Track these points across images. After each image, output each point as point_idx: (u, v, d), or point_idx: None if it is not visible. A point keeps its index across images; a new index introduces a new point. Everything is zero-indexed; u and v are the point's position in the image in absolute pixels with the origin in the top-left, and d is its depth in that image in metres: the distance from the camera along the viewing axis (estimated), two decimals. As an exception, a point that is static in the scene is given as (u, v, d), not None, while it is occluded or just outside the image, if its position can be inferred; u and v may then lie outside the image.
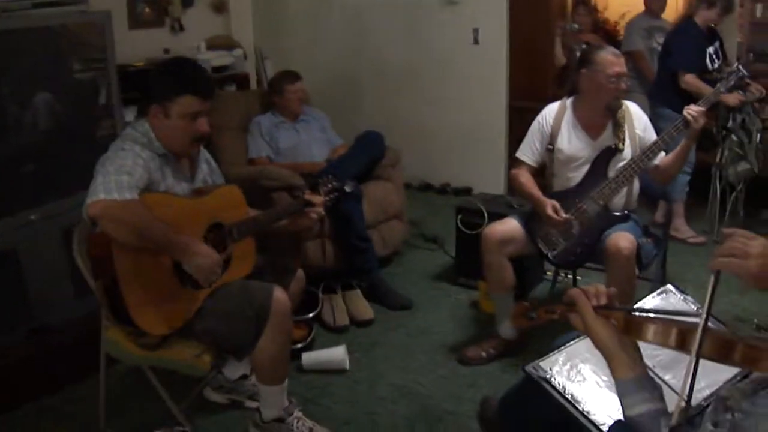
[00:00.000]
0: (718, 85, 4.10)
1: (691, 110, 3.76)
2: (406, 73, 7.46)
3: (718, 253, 1.78)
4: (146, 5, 5.64)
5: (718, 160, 5.91)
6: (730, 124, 5.78)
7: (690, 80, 5.63)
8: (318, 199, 3.62)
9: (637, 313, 1.99)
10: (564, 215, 3.87)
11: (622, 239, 3.70)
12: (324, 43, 7.70)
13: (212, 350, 3.12)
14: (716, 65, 5.87)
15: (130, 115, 4.66)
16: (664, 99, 5.82)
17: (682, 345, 1.82)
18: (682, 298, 2.73)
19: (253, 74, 6.62)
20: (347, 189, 3.97)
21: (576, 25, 7.49)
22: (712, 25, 5.86)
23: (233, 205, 3.38)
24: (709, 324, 2.33)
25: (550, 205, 3.89)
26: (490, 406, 3.50)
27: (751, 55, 7.56)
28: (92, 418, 3.56)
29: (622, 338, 1.97)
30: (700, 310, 1.79)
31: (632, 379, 1.91)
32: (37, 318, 4.02)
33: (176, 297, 3.03)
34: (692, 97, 5.32)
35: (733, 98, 5.58)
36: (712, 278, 1.78)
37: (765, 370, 1.71)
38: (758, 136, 5.79)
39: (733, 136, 5.78)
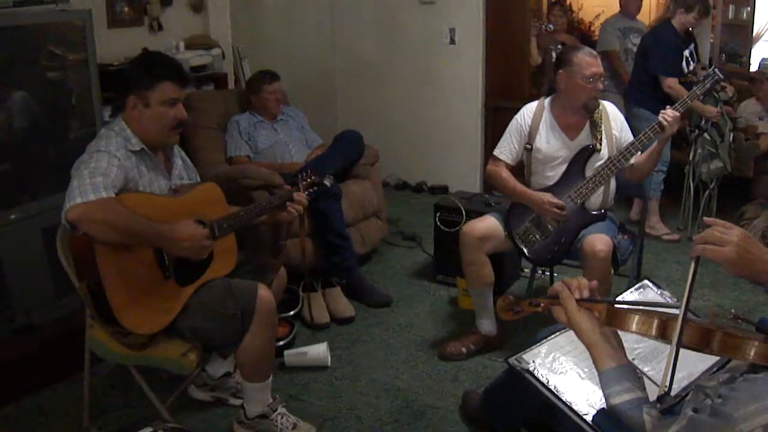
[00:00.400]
0: (694, 88, 4.14)
1: (667, 115, 3.79)
2: (383, 72, 7.51)
3: (698, 240, 1.84)
4: (125, 4, 5.61)
5: (690, 158, 5.98)
6: (702, 123, 5.85)
7: (674, 85, 5.69)
8: (299, 195, 3.64)
9: (618, 306, 2.04)
10: (560, 201, 3.93)
11: (599, 241, 3.75)
12: (301, 44, 7.70)
13: (198, 348, 3.14)
14: (691, 67, 5.94)
15: (110, 114, 4.64)
16: (639, 99, 5.89)
17: (663, 334, 1.87)
18: (659, 293, 2.79)
19: (231, 74, 6.59)
20: (327, 183, 3.99)
21: (551, 26, 7.54)
22: (689, 29, 5.92)
23: (213, 202, 3.39)
24: (690, 315, 2.39)
25: (548, 196, 3.94)
26: (472, 400, 3.56)
27: (723, 56, 7.67)
28: (76, 416, 3.58)
29: (604, 330, 2.02)
30: (679, 302, 1.84)
31: (615, 369, 1.96)
32: (20, 317, 4.01)
33: (161, 295, 3.04)
34: (668, 98, 5.40)
35: (710, 111, 5.64)
36: (692, 265, 1.85)
37: (743, 358, 1.76)
38: (731, 135, 5.86)
39: (706, 135, 5.86)
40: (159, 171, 3.25)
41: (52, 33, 4.25)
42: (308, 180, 3.74)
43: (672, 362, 1.76)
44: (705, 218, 1.92)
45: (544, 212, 3.96)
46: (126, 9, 5.64)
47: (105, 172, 2.92)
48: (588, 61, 3.90)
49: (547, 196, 3.94)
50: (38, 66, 4.19)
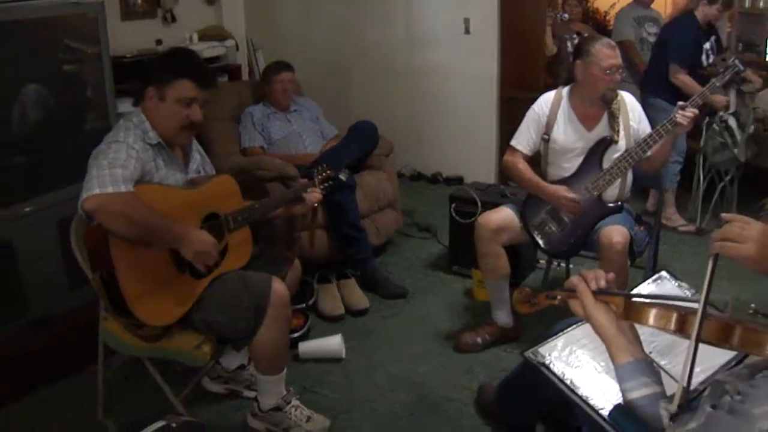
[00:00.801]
0: (713, 79, 4.10)
1: (686, 113, 3.75)
2: (398, 62, 7.47)
3: (717, 236, 1.79)
4: (139, -4, 5.64)
5: (701, 147, 5.93)
6: (719, 113, 5.79)
7: (682, 77, 5.65)
8: (314, 189, 3.63)
9: (636, 299, 2.01)
10: (577, 195, 3.91)
11: (616, 233, 3.71)
12: (316, 33, 7.69)
13: (212, 340, 3.13)
14: (711, 60, 5.89)
15: (122, 106, 4.64)
16: (656, 90, 5.84)
17: (681, 329, 1.84)
18: (676, 284, 2.76)
19: (245, 65, 6.60)
20: (342, 177, 3.98)
21: (566, 15, 7.50)
22: (711, 21, 5.87)
23: (228, 195, 3.38)
24: (708, 309, 2.36)
25: (564, 189, 3.92)
26: (487, 393, 3.55)
27: (740, 45, 7.61)
28: (90, 408, 3.57)
29: (621, 323, 1.99)
30: (696, 295, 1.82)
31: (632, 364, 1.94)
32: (35, 310, 4.01)
33: (175, 287, 3.04)
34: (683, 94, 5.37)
35: (719, 100, 5.59)
36: (711, 262, 1.79)
37: (763, 354, 1.73)
38: (752, 126, 5.80)
39: (715, 126, 5.81)
40: (176, 165, 3.25)
41: (65, 26, 4.25)
42: (323, 174, 3.74)
43: (690, 360, 1.72)
44: (723, 214, 1.86)
45: (559, 205, 3.93)
46: (139, 1, 5.66)
47: (124, 164, 2.92)
48: (606, 52, 3.86)
49: (563, 190, 3.91)
50: (51, 59, 4.19)
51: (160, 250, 2.98)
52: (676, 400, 1.71)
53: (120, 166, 2.89)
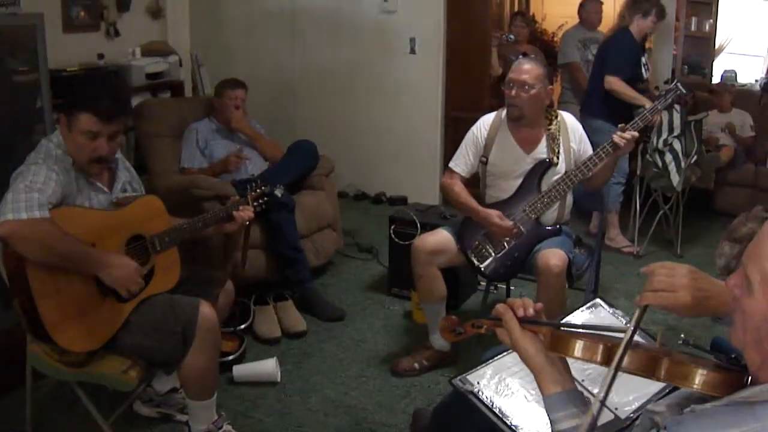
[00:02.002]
0: (655, 102, 4.11)
1: (625, 135, 3.76)
2: (342, 81, 7.46)
3: (647, 288, 1.83)
4: (81, 9, 5.55)
5: (637, 173, 5.97)
6: (663, 136, 5.82)
7: (615, 82, 5.66)
8: (245, 207, 3.56)
9: (564, 329, 1.98)
10: (512, 222, 3.88)
11: (553, 257, 3.70)
12: (261, 52, 7.66)
13: (140, 365, 3.07)
14: (647, 75, 5.94)
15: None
16: (596, 111, 5.83)
17: (608, 361, 1.81)
18: (611, 311, 2.73)
19: (188, 81, 6.55)
20: (277, 194, 3.94)
21: (513, 36, 7.53)
22: (647, 35, 5.91)
23: (154, 216, 3.30)
24: (638, 338, 2.34)
25: (496, 214, 3.89)
26: (422, 418, 3.50)
27: (686, 67, 7.70)
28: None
29: (549, 353, 1.96)
30: (628, 325, 1.80)
31: (560, 394, 1.91)
32: (-38, 330, 3.91)
33: (98, 313, 2.97)
34: (624, 109, 5.39)
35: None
36: (638, 312, 1.80)
37: (690, 387, 1.71)
38: (695, 157, 5.85)
39: (648, 157, 5.86)
40: (97, 186, 3.17)
41: (3, 36, 4.17)
42: (257, 191, 3.67)
43: (607, 387, 1.70)
44: (642, 269, 1.89)
45: (490, 231, 3.92)
46: (82, 13, 5.58)
47: (41, 187, 2.85)
48: (513, 68, 3.94)
49: (495, 216, 3.89)
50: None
51: (82, 275, 2.91)
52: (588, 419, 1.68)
53: (37, 190, 2.82)
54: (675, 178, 5.75)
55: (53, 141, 3.05)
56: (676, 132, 5.79)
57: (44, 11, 4.41)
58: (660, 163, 5.80)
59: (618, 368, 1.70)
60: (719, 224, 6.31)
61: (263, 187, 3.69)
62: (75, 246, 2.84)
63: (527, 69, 3.89)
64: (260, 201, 3.67)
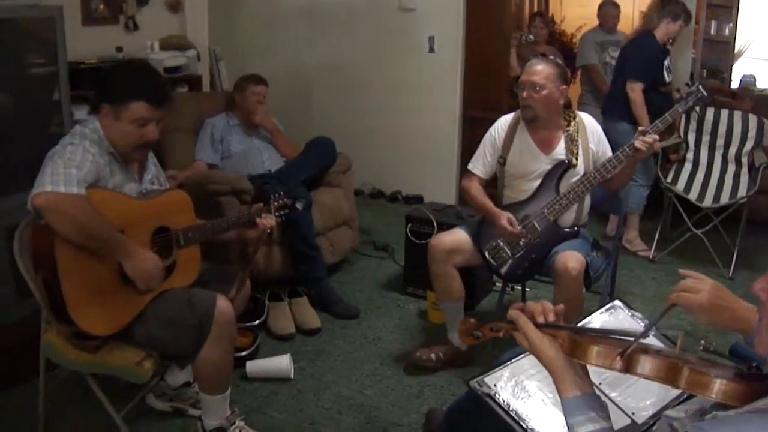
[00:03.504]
0: (676, 105, 4.08)
1: (646, 139, 3.73)
2: (360, 79, 7.46)
3: (675, 288, 1.99)
4: (101, 2, 5.55)
5: (668, 181, 5.92)
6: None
7: (637, 90, 5.62)
8: (268, 216, 3.58)
9: (582, 333, 1.96)
10: (519, 228, 3.86)
11: (571, 259, 3.68)
12: (280, 48, 7.66)
13: (154, 357, 3.07)
14: (670, 78, 5.89)
15: (79, 113, 4.57)
16: (618, 113, 5.79)
17: (627, 368, 1.80)
18: (629, 314, 2.71)
19: (206, 76, 6.53)
20: (298, 206, 3.97)
21: (532, 37, 7.51)
22: (670, 40, 5.87)
23: (181, 210, 3.34)
24: (658, 344, 2.33)
25: (506, 217, 3.87)
26: (435, 418, 3.49)
27: (704, 71, 7.65)
28: (31, 422, 3.48)
29: (568, 356, 1.95)
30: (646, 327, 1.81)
31: (579, 398, 1.89)
32: (-23, 319, 3.93)
33: (118, 298, 2.98)
34: (648, 112, 5.37)
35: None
36: (665, 307, 1.97)
37: (708, 397, 1.70)
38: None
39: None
40: (129, 175, 3.19)
41: (22, 28, 4.18)
42: (280, 202, 3.70)
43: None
44: (680, 270, 2.06)
45: (497, 231, 3.91)
46: (101, 7, 5.58)
47: (79, 165, 2.87)
48: (526, 69, 3.93)
49: (504, 218, 3.87)
50: (7, 62, 4.12)
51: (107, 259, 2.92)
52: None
53: (75, 167, 2.84)
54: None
55: (88, 127, 3.07)
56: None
57: (63, 4, 4.41)
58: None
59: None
60: (754, 237, 6.21)
61: (286, 200, 3.70)
62: (106, 229, 2.86)
63: (538, 70, 3.87)
64: (282, 212, 3.69)
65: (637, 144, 3.73)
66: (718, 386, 1.67)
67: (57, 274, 2.80)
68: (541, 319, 2.00)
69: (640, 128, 3.80)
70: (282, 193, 3.80)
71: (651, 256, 5.93)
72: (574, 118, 3.98)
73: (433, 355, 4.13)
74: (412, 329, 4.69)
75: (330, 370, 4.16)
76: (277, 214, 3.66)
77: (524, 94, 3.88)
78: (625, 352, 1.79)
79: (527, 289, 4.61)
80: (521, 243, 3.90)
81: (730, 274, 5.57)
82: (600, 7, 7.12)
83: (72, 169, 2.83)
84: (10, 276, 3.88)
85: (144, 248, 3.04)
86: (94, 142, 3.02)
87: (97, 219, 2.82)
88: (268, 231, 3.63)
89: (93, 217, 2.81)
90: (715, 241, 5.73)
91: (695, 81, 7.15)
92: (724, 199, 5.73)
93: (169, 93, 3.33)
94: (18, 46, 4.20)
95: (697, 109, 5.63)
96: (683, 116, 5.90)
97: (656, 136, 3.76)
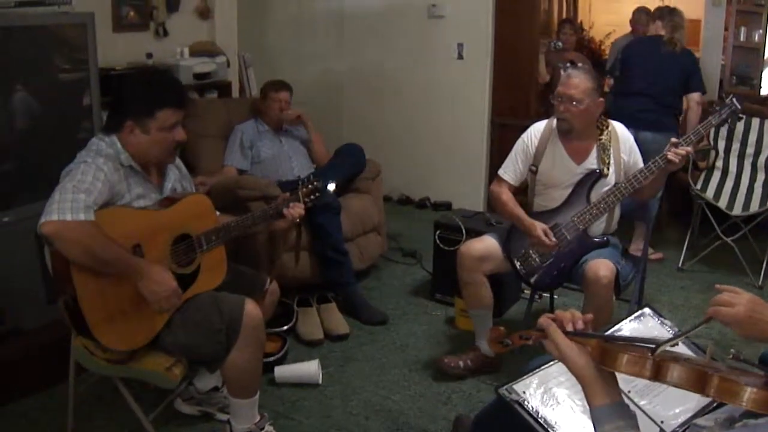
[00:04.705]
0: (710, 117, 4.06)
1: (678, 151, 3.71)
2: (389, 85, 7.47)
3: (712, 302, 1.97)
4: (131, 8, 5.58)
5: (697, 188, 5.88)
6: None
7: (702, 101, 5.68)
8: (296, 206, 3.55)
9: (611, 342, 1.96)
10: (554, 240, 3.85)
11: (602, 267, 3.66)
12: (309, 55, 7.67)
13: (183, 363, 3.08)
14: None
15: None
16: (670, 126, 5.72)
17: (656, 376, 1.79)
18: (659, 321, 2.70)
19: (235, 82, 6.55)
20: (330, 188, 3.94)
21: (560, 43, 7.50)
22: None
23: (200, 215, 3.30)
24: (689, 352, 2.32)
25: (541, 229, 3.86)
26: (463, 425, 3.48)
27: (734, 78, 7.60)
28: (60, 425, 3.51)
29: (597, 364, 1.94)
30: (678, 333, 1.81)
31: (607, 406, 1.88)
32: (8, 322, 3.96)
33: (141, 312, 2.97)
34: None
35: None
36: (702, 320, 1.97)
37: (739, 405, 1.69)
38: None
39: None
40: (148, 185, 3.19)
41: (54, 35, 4.22)
42: (309, 186, 3.60)
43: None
44: (716, 285, 2.05)
45: (532, 242, 3.90)
46: (132, 13, 5.60)
47: (89, 188, 2.86)
48: (562, 81, 3.92)
49: (539, 229, 3.86)
50: (39, 68, 4.17)
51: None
52: None
53: (84, 191, 2.83)
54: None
55: (105, 140, 3.07)
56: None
57: (95, 10, 4.44)
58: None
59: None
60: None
61: (315, 183, 3.66)
62: (117, 253, 2.84)
63: (576, 83, 3.83)
64: (312, 197, 3.62)
65: (670, 156, 3.70)
66: (749, 394, 1.66)
67: (77, 296, 2.81)
68: (570, 327, 2.00)
69: (672, 140, 3.78)
70: (311, 176, 3.79)
71: (658, 257, 5.90)
72: (607, 127, 3.97)
73: (461, 363, 4.12)
74: (440, 336, 4.68)
75: (358, 375, 4.17)
76: (306, 200, 3.58)
77: (561, 107, 3.86)
78: (655, 351, 1.79)
79: (555, 297, 4.59)
80: (551, 253, 3.89)
81: (760, 282, 5.52)
82: (633, 14, 7.11)
83: (80, 194, 2.82)
84: (40, 280, 3.91)
85: (163, 259, 3.05)
86: (109, 158, 3.01)
87: (105, 243, 2.81)
88: (297, 220, 3.59)
89: (101, 242, 2.80)
90: (744, 249, 5.68)
91: (724, 88, 7.12)
92: (754, 207, 5.69)
93: (185, 90, 3.34)
94: (50, 53, 4.23)
95: (729, 121, 5.60)
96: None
97: (690, 149, 3.74)
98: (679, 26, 5.75)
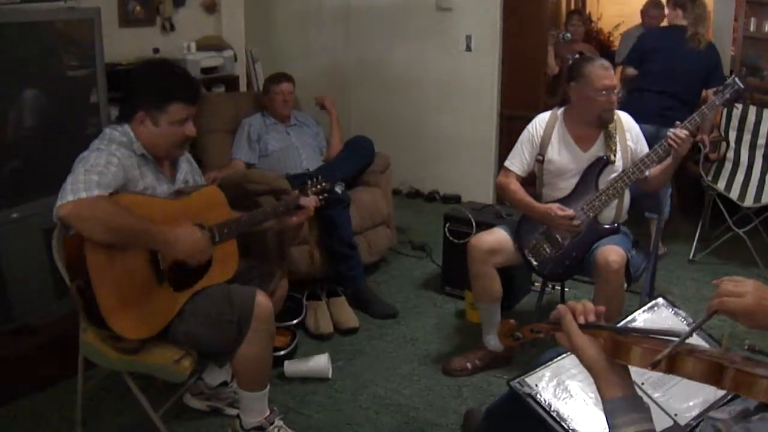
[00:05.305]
0: (713, 97, 4.03)
1: (678, 134, 3.70)
2: (397, 78, 7.44)
3: (716, 295, 1.90)
4: (137, 3, 5.56)
5: (709, 180, 5.85)
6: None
7: None
8: (309, 200, 3.58)
9: (624, 333, 1.93)
10: (571, 211, 3.84)
11: (612, 252, 3.65)
12: (315, 48, 7.65)
13: (192, 355, 3.06)
14: None
15: (117, 113, 4.60)
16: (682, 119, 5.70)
17: (671, 369, 1.77)
18: (672, 312, 2.67)
19: (243, 77, 6.54)
20: (338, 190, 3.94)
21: (569, 35, 7.45)
22: None
23: (215, 206, 3.32)
24: (703, 344, 2.29)
25: (556, 206, 3.85)
26: (474, 419, 3.47)
27: (744, 69, 7.55)
28: (68, 421, 3.51)
29: (609, 356, 1.92)
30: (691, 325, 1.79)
31: (620, 399, 1.86)
32: (17, 318, 3.95)
33: (154, 300, 2.96)
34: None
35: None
36: (706, 314, 1.89)
37: (755, 398, 1.67)
38: None
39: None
40: (161, 176, 3.18)
41: (61, 30, 4.21)
42: (318, 186, 3.68)
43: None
44: (713, 281, 1.97)
45: (553, 224, 3.87)
46: (138, 8, 5.58)
47: (101, 170, 2.85)
48: (599, 73, 3.80)
49: (555, 207, 3.85)
50: (46, 63, 4.16)
51: (140, 259, 2.91)
52: None
53: (96, 173, 2.82)
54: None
55: (118, 129, 3.07)
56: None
57: (101, 6, 4.42)
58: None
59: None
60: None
61: (324, 183, 3.68)
62: (134, 221, 2.83)
63: (612, 73, 3.86)
64: (321, 197, 3.67)
65: (671, 141, 3.70)
66: (765, 386, 1.64)
67: (90, 282, 2.79)
68: (581, 320, 1.97)
69: (676, 123, 3.76)
70: (320, 176, 3.80)
71: (662, 252, 5.86)
72: (612, 119, 3.94)
73: (468, 364, 4.11)
74: (450, 329, 4.66)
75: (368, 369, 4.15)
76: (318, 198, 3.66)
77: (612, 98, 3.84)
78: (657, 364, 1.76)
79: (566, 289, 4.57)
80: (562, 241, 3.87)
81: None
82: (645, 5, 7.06)
83: (93, 175, 2.81)
84: (49, 276, 3.92)
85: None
86: (122, 145, 3.01)
87: (123, 215, 2.80)
88: (311, 213, 3.63)
89: (119, 214, 2.79)
90: (756, 241, 5.65)
91: (732, 75, 7.08)
92: (766, 198, 5.65)
93: (199, 86, 3.35)
94: (56, 48, 4.22)
95: (737, 104, 5.56)
96: (724, 115, 5.83)
97: (686, 132, 3.71)
98: (702, 18, 5.66)
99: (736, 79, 3.96)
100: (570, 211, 3.83)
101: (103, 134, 3.08)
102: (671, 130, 3.73)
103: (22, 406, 3.72)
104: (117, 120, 3.16)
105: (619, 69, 6.11)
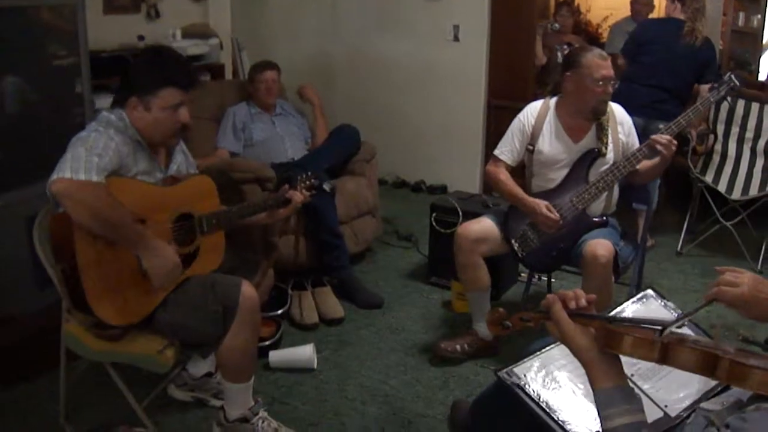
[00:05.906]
0: (708, 94, 4.01)
1: (658, 140, 3.67)
2: (384, 67, 7.41)
3: (715, 283, 1.99)
4: (122, -10, 5.54)
5: (697, 172, 5.83)
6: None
7: None
8: (299, 196, 3.57)
9: (615, 323, 1.90)
10: (557, 215, 3.81)
11: (600, 247, 3.62)
12: (301, 36, 7.63)
13: (176, 345, 3.02)
14: None
15: (100, 102, 4.54)
16: (674, 113, 5.68)
17: (664, 358, 1.74)
18: (662, 303, 2.65)
19: (229, 64, 6.50)
20: (326, 188, 3.93)
21: (557, 25, 7.44)
22: None
23: (204, 196, 3.30)
24: (695, 335, 2.27)
25: (544, 205, 3.81)
26: (461, 410, 3.45)
27: (732, 63, 7.56)
28: (52, 413, 3.47)
29: (601, 346, 1.89)
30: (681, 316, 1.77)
31: (611, 389, 1.83)
32: (-1, 308, 3.91)
33: (139, 287, 2.93)
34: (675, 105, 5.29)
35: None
36: (704, 301, 1.97)
37: (750, 389, 1.65)
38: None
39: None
40: (155, 164, 3.16)
41: (43, 16, 4.16)
42: (307, 182, 3.67)
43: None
44: (717, 267, 2.05)
45: (537, 221, 3.84)
46: (123, -6, 5.54)
47: (101, 152, 2.83)
48: (598, 63, 3.77)
49: (543, 206, 3.81)
50: (28, 50, 4.11)
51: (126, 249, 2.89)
52: None
53: (97, 155, 2.80)
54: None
55: (114, 114, 3.04)
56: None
57: (85, -8, 4.39)
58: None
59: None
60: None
61: (313, 180, 3.66)
62: (124, 218, 2.81)
63: (609, 63, 3.83)
64: (310, 192, 3.67)
65: (657, 146, 3.69)
66: (759, 378, 1.62)
67: (76, 265, 2.77)
68: (573, 305, 1.94)
69: (661, 126, 3.77)
70: (310, 173, 3.77)
71: (652, 244, 5.84)
72: (606, 110, 3.91)
73: (458, 347, 4.08)
74: (436, 319, 4.64)
75: (354, 360, 4.13)
76: (309, 194, 3.66)
77: (609, 89, 3.82)
78: (662, 333, 1.74)
79: (553, 280, 4.55)
80: (550, 233, 3.85)
81: (759, 267, 5.49)
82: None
83: (93, 156, 2.79)
84: (31, 266, 3.86)
85: (165, 236, 3.01)
86: (119, 130, 2.98)
87: (115, 208, 2.78)
88: (299, 206, 3.62)
89: (111, 206, 2.77)
90: (743, 234, 5.65)
91: (725, 71, 7.08)
92: (753, 191, 5.64)
93: (195, 74, 3.32)
94: (39, 35, 4.18)
95: (729, 99, 5.55)
96: (712, 108, 5.81)
97: (668, 137, 3.69)
98: (700, 13, 5.63)
99: (732, 77, 3.93)
100: (556, 216, 3.80)
101: (101, 117, 3.05)
102: (652, 136, 3.71)
103: (3, 398, 3.68)
104: (111, 105, 3.13)
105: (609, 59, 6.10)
